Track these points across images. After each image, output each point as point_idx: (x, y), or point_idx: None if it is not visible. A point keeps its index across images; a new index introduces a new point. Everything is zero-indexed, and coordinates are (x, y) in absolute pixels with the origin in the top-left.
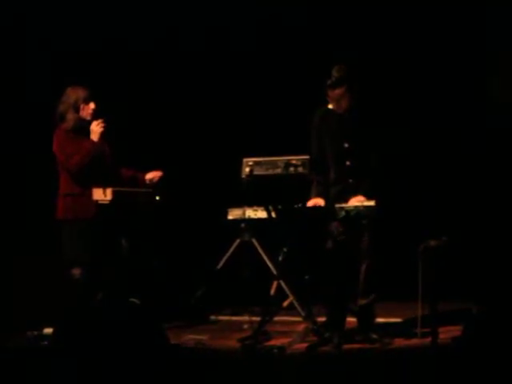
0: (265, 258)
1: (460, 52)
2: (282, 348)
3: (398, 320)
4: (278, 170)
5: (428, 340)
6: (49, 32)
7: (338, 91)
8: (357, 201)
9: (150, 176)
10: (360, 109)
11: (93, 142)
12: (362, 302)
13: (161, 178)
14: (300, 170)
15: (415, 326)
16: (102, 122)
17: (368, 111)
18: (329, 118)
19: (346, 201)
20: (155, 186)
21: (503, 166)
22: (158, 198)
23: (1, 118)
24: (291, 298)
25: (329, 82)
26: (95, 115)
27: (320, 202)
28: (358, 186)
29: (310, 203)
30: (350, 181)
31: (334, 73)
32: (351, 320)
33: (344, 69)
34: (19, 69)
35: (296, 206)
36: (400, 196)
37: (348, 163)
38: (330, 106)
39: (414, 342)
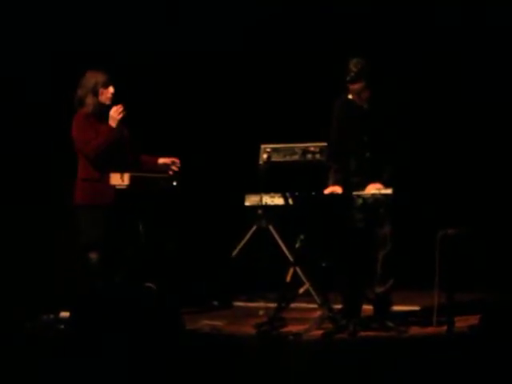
0: (281, 244)
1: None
2: (297, 335)
3: (415, 308)
4: (296, 157)
5: (444, 329)
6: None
7: (357, 86)
8: (374, 188)
9: (162, 160)
10: (380, 100)
11: (111, 127)
12: (379, 289)
13: (176, 165)
14: (317, 156)
15: (431, 315)
16: (122, 108)
17: (388, 102)
18: (349, 110)
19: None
20: (172, 171)
21: None
22: (175, 183)
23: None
24: (307, 284)
25: (348, 77)
26: (114, 100)
27: (337, 189)
28: (378, 176)
29: (328, 190)
30: (370, 172)
31: (352, 67)
32: (367, 308)
33: (361, 62)
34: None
35: (313, 192)
36: (419, 184)
37: (368, 155)
38: (350, 97)
39: (430, 330)
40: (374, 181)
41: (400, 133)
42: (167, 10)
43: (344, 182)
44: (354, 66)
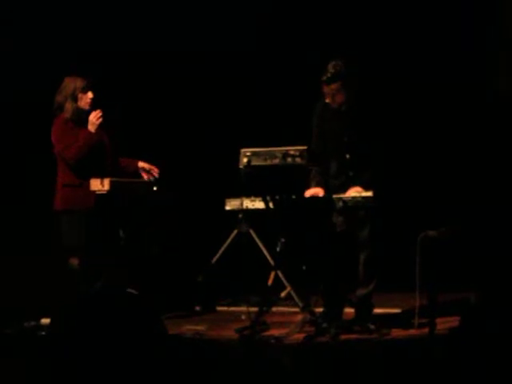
0: (262, 248)
1: (461, 41)
2: (279, 338)
3: (396, 311)
4: (276, 161)
5: (426, 330)
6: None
7: (332, 86)
8: (355, 191)
9: (142, 165)
10: (358, 103)
11: (89, 132)
12: (361, 292)
13: (153, 172)
14: (298, 160)
15: (413, 317)
16: (100, 113)
17: (366, 105)
18: (328, 112)
19: (345, 192)
20: (148, 176)
21: (504, 155)
22: (155, 188)
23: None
24: (289, 288)
25: (324, 77)
26: (94, 105)
27: (319, 192)
28: (358, 178)
29: (309, 193)
30: (351, 174)
31: (330, 68)
32: (349, 311)
33: (340, 65)
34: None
35: (294, 196)
36: (399, 186)
37: (348, 156)
38: (328, 100)
39: (412, 332)
40: (354, 183)
41: (379, 134)
42: (146, 10)
43: (325, 185)
44: (331, 67)
